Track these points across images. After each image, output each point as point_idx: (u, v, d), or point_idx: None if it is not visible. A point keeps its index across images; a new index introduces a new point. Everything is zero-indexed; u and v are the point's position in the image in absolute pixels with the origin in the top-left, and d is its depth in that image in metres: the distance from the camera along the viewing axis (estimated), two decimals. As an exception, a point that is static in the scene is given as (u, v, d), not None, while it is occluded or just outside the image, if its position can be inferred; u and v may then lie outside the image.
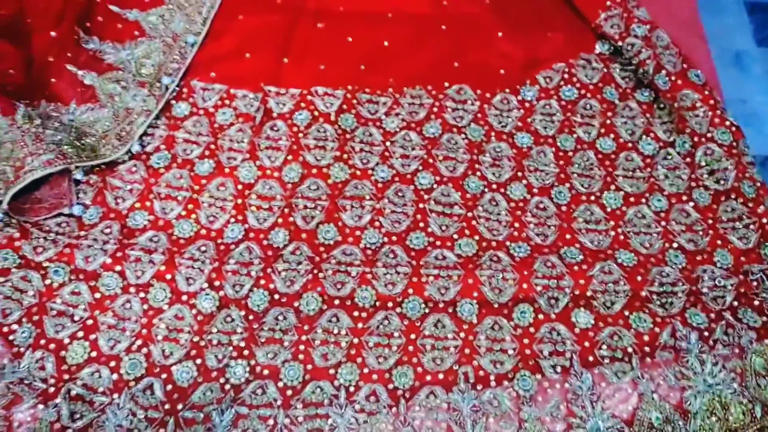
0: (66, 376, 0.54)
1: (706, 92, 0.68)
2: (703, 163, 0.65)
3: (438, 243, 0.61)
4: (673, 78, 0.68)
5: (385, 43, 0.72)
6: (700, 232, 0.62)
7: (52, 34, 0.67)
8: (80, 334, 0.56)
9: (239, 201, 0.62)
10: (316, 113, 0.67)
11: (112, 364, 0.55)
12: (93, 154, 0.63)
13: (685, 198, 0.64)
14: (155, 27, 0.72)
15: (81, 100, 0.66)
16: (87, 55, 0.69)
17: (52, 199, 0.61)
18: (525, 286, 0.59)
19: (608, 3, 0.73)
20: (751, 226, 0.62)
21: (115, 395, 0.54)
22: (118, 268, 0.58)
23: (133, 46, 0.70)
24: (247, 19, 0.73)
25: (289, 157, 0.65)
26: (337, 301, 0.58)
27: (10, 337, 0.55)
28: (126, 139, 0.65)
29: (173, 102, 0.68)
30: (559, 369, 0.56)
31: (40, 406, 0.52)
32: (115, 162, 0.63)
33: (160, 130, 0.66)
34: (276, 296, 0.58)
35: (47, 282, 0.57)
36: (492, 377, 0.55)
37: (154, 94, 0.67)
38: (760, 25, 1.55)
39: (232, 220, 0.62)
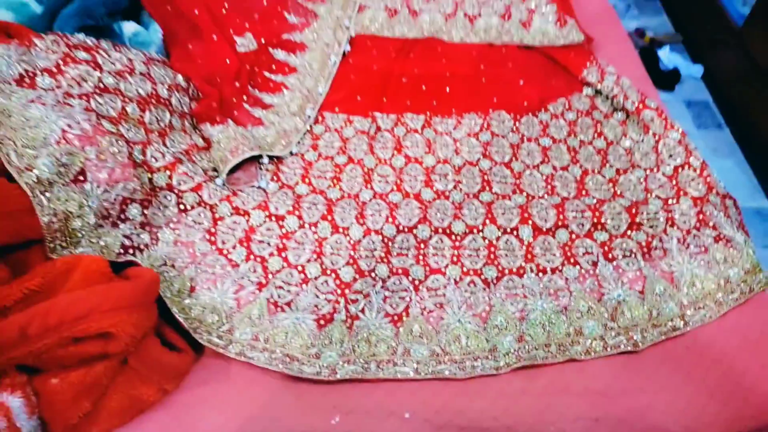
0: (270, 276, 0.82)
1: (659, 110, 1.05)
2: (664, 150, 1.00)
3: (500, 197, 0.93)
4: (636, 104, 1.06)
5: (447, 89, 1.10)
6: (668, 188, 0.95)
7: (236, 84, 1.03)
8: (275, 252, 0.84)
9: (367, 177, 0.95)
10: (409, 128, 1.03)
11: (299, 268, 0.83)
12: (270, 151, 0.96)
13: (654, 170, 0.98)
14: (294, 84, 1.09)
15: (254, 124, 1.01)
16: (254, 98, 1.05)
17: (245, 177, 0.93)
18: (562, 217, 0.90)
19: (587, 63, 1.13)
20: (701, 185, 0.95)
21: (303, 285, 0.81)
22: (297, 213, 0.88)
23: (282, 95, 1.07)
24: (356, 78, 1.11)
25: (395, 152, 0.99)
26: (440, 230, 0.88)
27: (230, 256, 0.83)
28: (288, 146, 0.98)
29: (313, 125, 1.03)
30: (590, 263, 0.86)
31: (257, 291, 0.80)
32: (282, 158, 0.97)
33: (308, 141, 1.00)
34: (400, 227, 0.88)
35: (250, 223, 0.86)
36: (548, 269, 0.85)
37: (303, 120, 1.02)
38: (696, 115, 2.02)
39: (363, 188, 0.93)
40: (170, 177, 0.84)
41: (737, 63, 1.97)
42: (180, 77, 0.97)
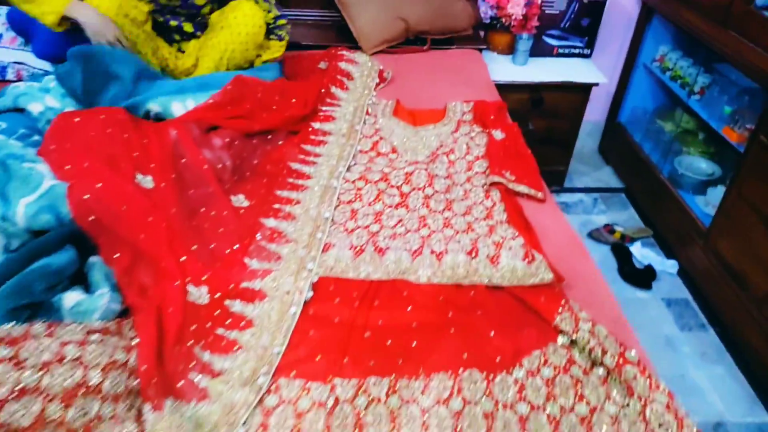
0: None
1: (641, 366, 0.97)
2: (652, 419, 0.91)
3: None
4: (616, 357, 0.99)
5: (414, 344, 1.02)
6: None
7: (180, 349, 0.95)
8: None
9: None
10: (371, 397, 0.93)
11: None
12: (213, 437, 0.85)
13: (647, 445, 0.88)
14: (249, 342, 1.01)
15: (198, 399, 0.90)
16: (202, 364, 0.96)
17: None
18: None
19: (560, 309, 1.08)
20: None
21: None
22: None
23: (234, 356, 0.98)
24: (316, 333, 1.03)
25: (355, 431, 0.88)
26: None
27: None
28: (232, 426, 0.87)
29: (265, 396, 0.93)
30: None
31: None
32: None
33: (257, 418, 0.89)
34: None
35: None
36: None
37: (254, 392, 0.92)
38: (678, 315, 1.98)
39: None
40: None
41: (708, 262, 1.97)
42: (120, 353, 0.89)
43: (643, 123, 2.60)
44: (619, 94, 2.68)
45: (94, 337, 0.90)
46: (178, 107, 1.45)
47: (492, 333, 1.05)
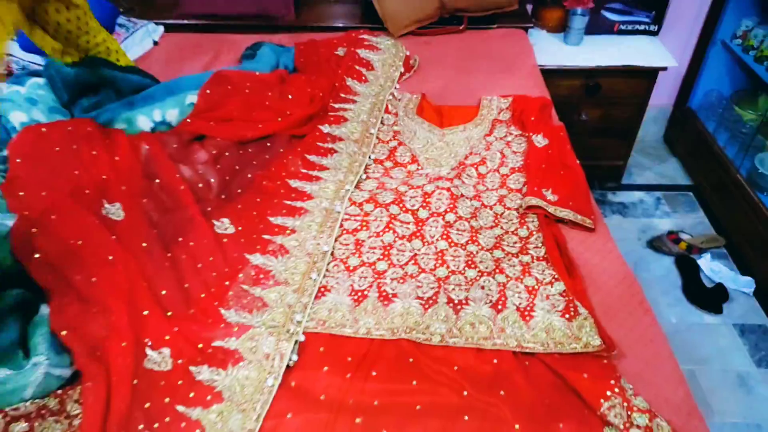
0: None
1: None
2: None
3: None
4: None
5: (418, 440, 0.81)
6: None
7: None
8: None
9: None
10: None
11: None
12: None
13: None
14: (214, 426, 0.82)
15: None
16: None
17: None
18: None
19: (608, 393, 0.84)
20: None
21: None
22: None
23: (196, 443, 0.80)
24: (294, 417, 0.84)
25: None
26: None
27: None
28: None
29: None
30: None
31: None
32: None
33: None
34: None
35: None
36: None
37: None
38: (753, 346, 1.67)
39: None
40: None
41: (796, 284, 1.65)
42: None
43: (717, 110, 2.24)
44: (691, 76, 2.30)
45: (18, 428, 0.74)
46: (145, 121, 1.25)
47: (517, 427, 0.82)
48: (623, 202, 2.19)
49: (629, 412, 0.82)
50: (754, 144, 2.02)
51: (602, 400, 0.83)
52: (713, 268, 1.88)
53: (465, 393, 0.86)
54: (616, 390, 0.85)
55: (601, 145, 2.14)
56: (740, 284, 1.83)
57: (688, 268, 1.88)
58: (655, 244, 1.98)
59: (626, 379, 0.88)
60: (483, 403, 0.85)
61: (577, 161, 1.32)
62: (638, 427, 0.80)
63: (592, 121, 2.06)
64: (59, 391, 0.84)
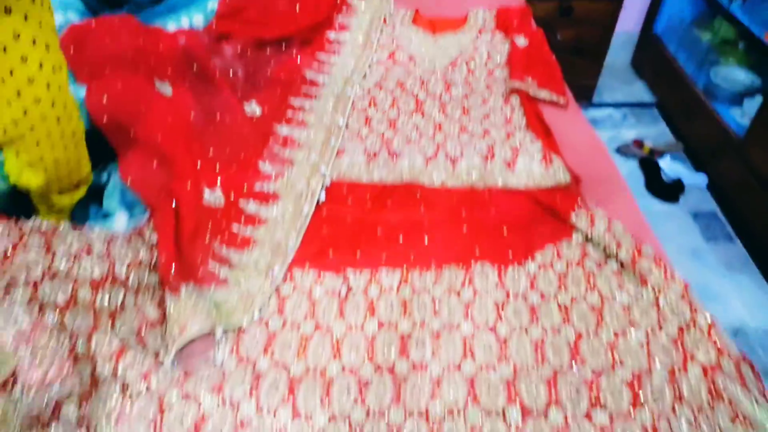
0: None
1: (657, 259, 0.96)
2: (666, 307, 0.90)
3: (483, 368, 0.83)
4: (631, 252, 0.98)
5: (425, 241, 1.03)
6: (674, 353, 0.85)
7: (197, 243, 0.98)
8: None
9: (335, 348, 0.86)
10: (383, 287, 0.95)
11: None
12: (228, 322, 0.89)
13: (656, 331, 0.88)
14: (264, 237, 1.03)
15: (217, 284, 0.94)
16: (220, 257, 0.99)
17: (201, 348, 0.85)
18: (554, 392, 0.80)
19: (575, 206, 1.07)
20: (710, 349, 0.84)
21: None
22: (254, 395, 0.79)
23: (250, 252, 1.01)
24: (328, 230, 1.05)
25: (368, 316, 0.91)
26: (416, 413, 0.78)
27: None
28: (247, 312, 0.91)
29: (281, 285, 0.96)
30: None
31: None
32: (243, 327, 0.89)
33: (273, 303, 0.93)
34: (370, 411, 0.78)
35: (201, 411, 0.77)
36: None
37: (269, 280, 0.96)
38: (704, 227, 1.93)
39: (331, 359, 0.84)
40: (116, 366, 0.77)
41: (740, 174, 1.91)
42: (144, 252, 0.92)
43: (679, 33, 2.46)
44: (656, 2, 2.52)
45: (120, 238, 0.94)
46: (174, 28, 1.42)
47: (505, 229, 1.05)
48: (594, 118, 2.42)
49: (592, 219, 1.05)
50: (709, 60, 2.25)
51: (571, 212, 1.06)
52: (672, 168, 2.13)
53: (463, 213, 1.09)
54: (582, 206, 1.08)
55: (575, 64, 2.35)
56: (695, 180, 2.09)
57: (650, 168, 2.12)
58: (622, 150, 2.22)
59: (590, 201, 1.11)
60: (477, 218, 1.07)
61: (553, 56, 1.53)
62: (599, 227, 1.03)
63: (566, 41, 2.26)
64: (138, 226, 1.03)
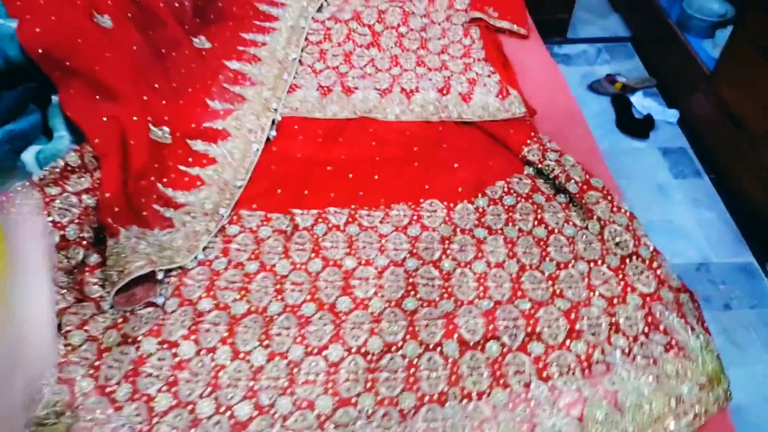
0: (155, 419, 0.72)
1: (605, 191, 0.96)
2: (610, 238, 0.91)
3: (425, 304, 0.84)
4: (580, 184, 0.97)
5: (375, 177, 1.01)
6: (614, 284, 0.85)
7: (143, 182, 0.95)
8: (164, 388, 0.75)
9: (278, 286, 0.86)
10: (330, 225, 0.94)
11: (189, 407, 0.73)
12: (171, 261, 0.87)
13: (600, 262, 0.88)
14: (212, 177, 1.01)
15: (162, 226, 0.92)
16: (166, 198, 0.97)
17: (142, 294, 0.84)
18: (492, 327, 0.80)
19: (528, 141, 1.05)
20: (651, 278, 0.85)
21: (192, 430, 0.72)
22: (193, 337, 0.79)
23: (197, 191, 0.99)
24: (277, 168, 1.03)
25: (312, 255, 0.90)
26: (354, 349, 0.79)
27: (114, 395, 0.74)
28: (193, 251, 0.90)
29: (227, 225, 0.95)
30: (522, 384, 0.75)
31: (139, 439, 0.70)
32: (187, 267, 0.88)
33: (219, 245, 0.92)
34: (309, 349, 0.79)
35: (140, 352, 0.77)
36: (474, 393, 0.74)
37: (215, 221, 0.94)
38: (673, 163, 1.93)
39: (273, 299, 0.84)
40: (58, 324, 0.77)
41: (710, 108, 1.89)
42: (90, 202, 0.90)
43: (657, -38, 2.37)
44: (634, -70, 2.41)
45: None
46: None
47: (456, 165, 1.03)
48: (568, 54, 2.36)
49: (544, 152, 1.03)
50: (684, -10, 2.18)
51: (523, 146, 1.05)
52: (644, 104, 2.10)
53: (415, 148, 1.07)
54: (535, 139, 1.06)
55: (547, -3, 2.27)
56: (667, 115, 2.07)
57: (621, 105, 2.09)
58: (594, 86, 2.18)
59: (544, 135, 1.09)
60: (429, 154, 1.05)
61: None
62: (550, 160, 1.01)
63: (539, -27, 2.17)
64: (77, 147, 0.98)
